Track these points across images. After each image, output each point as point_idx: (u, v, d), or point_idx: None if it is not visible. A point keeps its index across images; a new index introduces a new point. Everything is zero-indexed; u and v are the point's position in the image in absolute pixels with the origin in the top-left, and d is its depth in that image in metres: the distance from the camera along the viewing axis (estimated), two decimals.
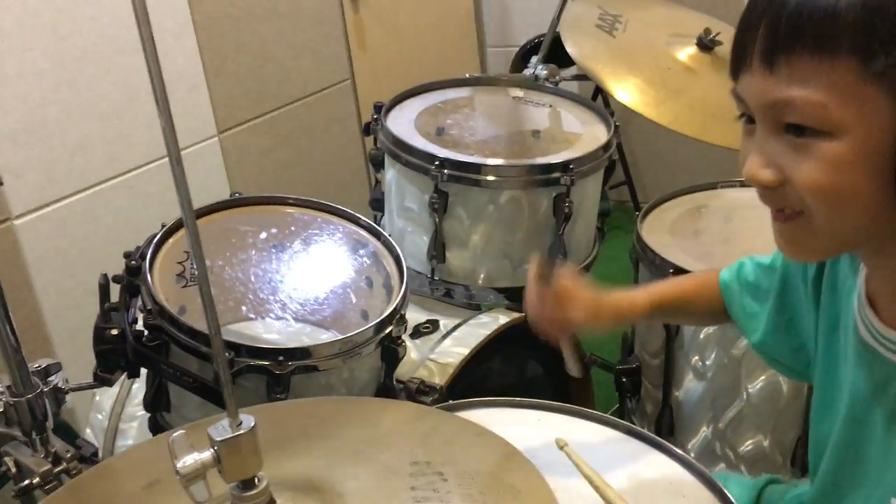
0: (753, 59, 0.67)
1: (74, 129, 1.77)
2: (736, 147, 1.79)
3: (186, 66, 2.02)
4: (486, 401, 1.12)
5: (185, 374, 1.09)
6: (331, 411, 0.90)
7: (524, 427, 1.06)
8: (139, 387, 1.41)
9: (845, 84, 0.63)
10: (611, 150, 1.54)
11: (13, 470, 1.02)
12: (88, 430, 1.48)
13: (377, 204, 1.63)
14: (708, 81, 1.75)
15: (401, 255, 1.28)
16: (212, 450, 0.65)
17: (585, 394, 1.66)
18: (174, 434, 0.65)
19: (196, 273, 0.65)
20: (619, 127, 1.59)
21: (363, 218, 1.35)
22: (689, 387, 1.49)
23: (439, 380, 1.34)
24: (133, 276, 1.13)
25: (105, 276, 1.16)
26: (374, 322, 1.15)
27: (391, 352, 1.20)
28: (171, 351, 1.12)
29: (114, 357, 1.12)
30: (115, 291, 1.17)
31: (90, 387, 1.21)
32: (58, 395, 1.12)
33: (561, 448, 0.98)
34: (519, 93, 1.75)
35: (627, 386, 1.60)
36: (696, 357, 1.46)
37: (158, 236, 1.20)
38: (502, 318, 1.48)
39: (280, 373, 1.08)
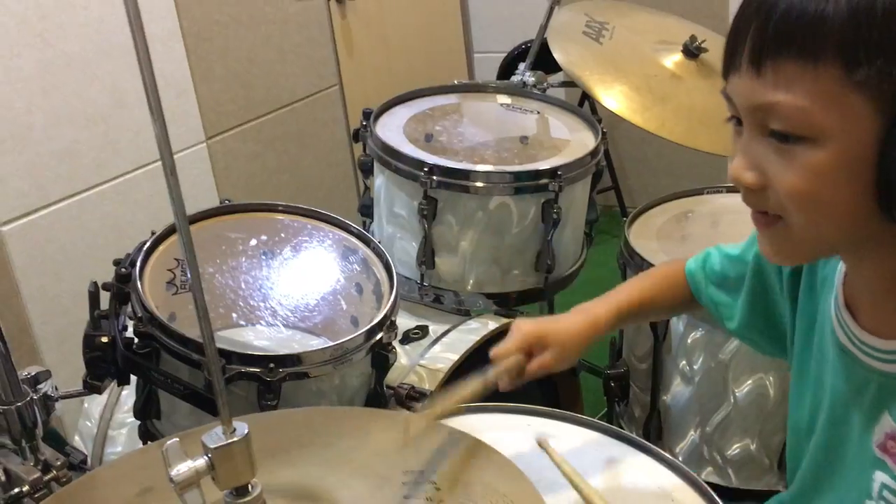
0: (742, 61, 0.67)
1: (61, 135, 1.77)
2: (721, 153, 1.81)
3: (174, 72, 2.02)
4: (476, 406, 1.12)
5: (175, 381, 1.09)
6: (324, 420, 0.90)
7: (514, 432, 1.07)
8: (128, 394, 1.40)
9: (828, 91, 0.63)
10: (598, 156, 1.55)
11: (2, 478, 1.01)
12: (77, 438, 1.47)
13: (366, 210, 1.64)
14: (694, 88, 1.76)
15: (391, 262, 1.28)
16: (205, 457, 0.66)
17: (574, 398, 1.67)
18: (168, 442, 0.65)
19: (187, 280, 0.65)
20: (606, 133, 1.61)
21: (353, 224, 1.36)
22: (677, 391, 1.50)
23: (429, 385, 1.34)
24: (123, 284, 1.13)
25: (95, 283, 1.16)
26: (365, 328, 1.15)
27: (382, 358, 1.20)
28: (161, 358, 1.12)
29: (103, 364, 1.12)
30: (104, 298, 1.17)
31: (80, 394, 1.20)
32: (47, 402, 1.12)
33: (541, 446, 0.98)
34: (507, 99, 1.76)
35: (616, 390, 1.61)
36: (684, 361, 1.47)
37: (149, 243, 1.20)
38: (491, 324, 1.49)
39: (271, 380, 1.08)
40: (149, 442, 1.19)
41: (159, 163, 0.60)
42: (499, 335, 1.47)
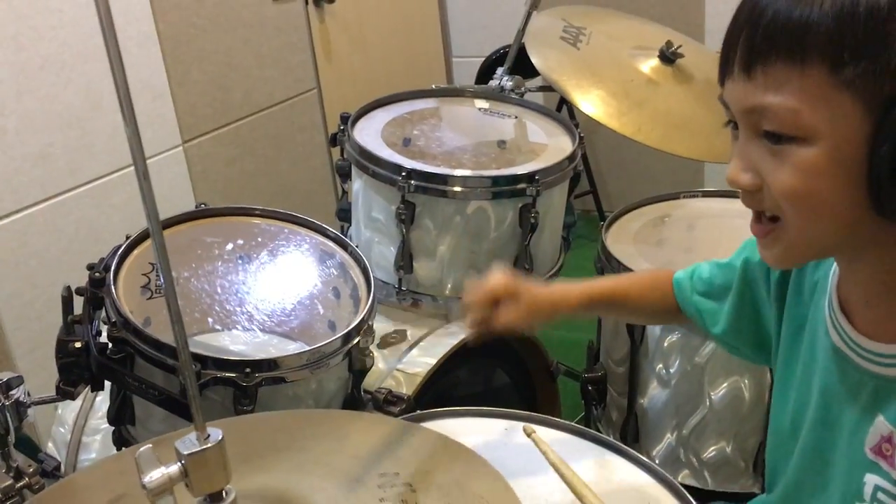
0: (735, 67, 0.69)
1: (35, 139, 1.75)
2: (697, 158, 1.83)
3: (150, 75, 2.01)
4: (453, 411, 1.13)
5: (150, 386, 1.08)
6: (299, 424, 0.90)
7: (491, 436, 1.07)
8: (102, 399, 1.39)
9: (816, 91, 0.65)
10: (576, 160, 1.56)
11: None
12: (50, 444, 1.46)
13: (344, 214, 1.63)
14: (670, 93, 1.78)
15: (368, 266, 1.28)
16: (179, 463, 0.65)
17: (552, 402, 1.68)
18: (140, 448, 0.64)
19: (162, 284, 0.65)
20: (584, 138, 1.61)
21: (330, 229, 1.35)
22: (654, 394, 1.51)
23: (407, 390, 1.34)
24: (97, 288, 1.12)
25: (68, 288, 1.15)
26: (342, 333, 1.15)
27: (359, 362, 1.20)
28: (135, 363, 1.11)
29: (77, 370, 1.11)
30: (78, 304, 1.15)
31: (53, 400, 1.19)
32: (19, 408, 1.11)
33: (529, 436, 0.98)
34: (484, 104, 1.77)
35: (593, 394, 1.61)
36: (661, 365, 1.48)
37: (123, 248, 1.19)
38: None
39: (247, 384, 1.07)
40: (123, 448, 1.18)
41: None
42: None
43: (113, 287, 1.12)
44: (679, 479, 1.15)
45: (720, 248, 1.06)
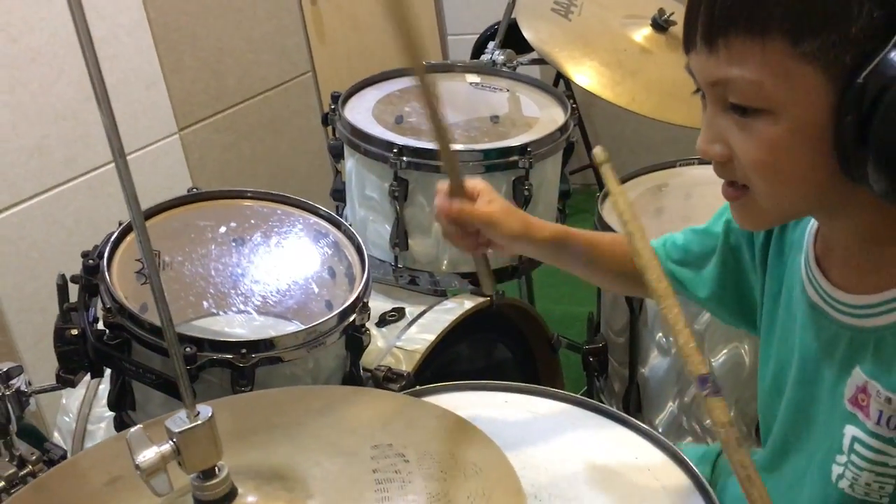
0: (697, 40, 0.69)
1: (30, 132, 1.75)
2: (693, 125, 1.81)
3: (143, 63, 2.00)
4: (452, 385, 1.12)
5: (147, 371, 1.09)
6: (293, 401, 0.90)
7: (492, 409, 1.07)
8: (105, 387, 1.39)
9: (777, 63, 0.65)
10: (568, 131, 1.55)
11: None
12: (56, 434, 1.47)
13: (338, 194, 1.63)
14: (663, 61, 1.76)
15: (361, 244, 1.28)
16: (170, 442, 0.66)
17: (554, 376, 1.68)
18: (131, 430, 0.65)
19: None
20: (576, 108, 1.60)
21: (322, 208, 1.35)
22: (655, 363, 1.51)
23: (406, 367, 1.34)
24: (91, 275, 1.12)
25: (63, 276, 1.15)
26: (338, 311, 1.15)
27: (356, 340, 1.20)
28: (132, 349, 1.11)
29: (75, 357, 1.11)
30: (74, 291, 1.16)
31: (53, 389, 1.20)
32: (21, 398, 1.12)
33: (600, 164, 0.91)
34: (476, 78, 1.76)
35: (595, 365, 1.61)
36: (660, 334, 1.48)
37: (116, 234, 1.19)
38: (468, 303, 1.49)
39: (244, 365, 1.07)
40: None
41: (131, 156, 0.60)
42: (475, 315, 1.48)
43: (107, 273, 1.12)
44: (682, 447, 1.15)
45: None
